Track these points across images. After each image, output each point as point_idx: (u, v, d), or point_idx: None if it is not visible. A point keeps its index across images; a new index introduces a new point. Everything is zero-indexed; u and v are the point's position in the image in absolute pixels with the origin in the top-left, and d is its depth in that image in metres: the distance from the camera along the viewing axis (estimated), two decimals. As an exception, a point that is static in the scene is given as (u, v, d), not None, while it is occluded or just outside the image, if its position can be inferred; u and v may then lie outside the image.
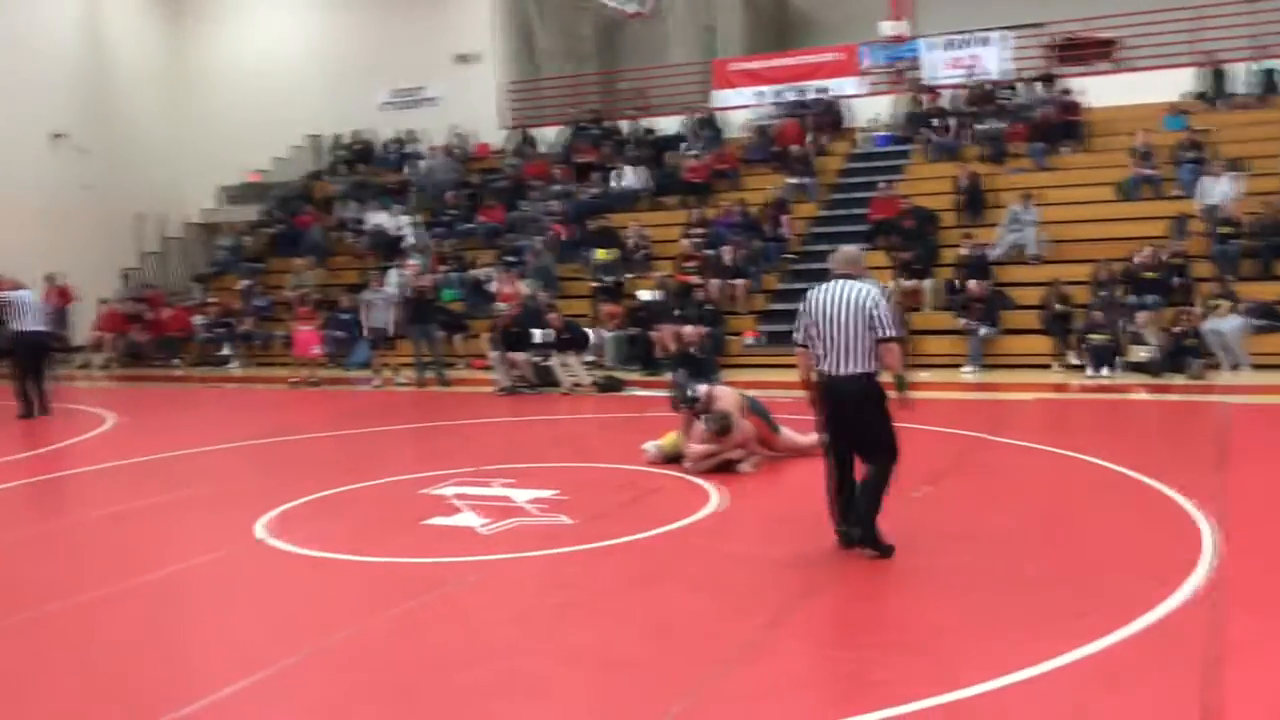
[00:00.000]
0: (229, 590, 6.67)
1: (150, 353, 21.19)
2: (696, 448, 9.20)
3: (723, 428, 9.09)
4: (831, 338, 6.43)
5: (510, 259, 19.46)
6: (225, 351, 20.57)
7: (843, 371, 6.42)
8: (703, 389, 9.57)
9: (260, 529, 7.82)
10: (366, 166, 24.93)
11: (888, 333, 6.44)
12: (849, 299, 6.43)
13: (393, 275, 18.82)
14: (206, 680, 5.04)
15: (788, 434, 9.63)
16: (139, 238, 24.83)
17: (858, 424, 6.50)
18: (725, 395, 9.43)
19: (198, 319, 21.25)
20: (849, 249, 7.00)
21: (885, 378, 6.53)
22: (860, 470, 6.59)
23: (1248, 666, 4.75)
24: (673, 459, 9.48)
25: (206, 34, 27.16)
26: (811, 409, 6.81)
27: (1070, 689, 4.62)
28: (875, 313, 6.39)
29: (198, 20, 27.16)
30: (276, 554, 7.26)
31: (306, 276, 21.17)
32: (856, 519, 6.52)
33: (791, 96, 21.94)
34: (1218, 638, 5.04)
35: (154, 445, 11.73)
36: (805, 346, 6.64)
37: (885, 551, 6.43)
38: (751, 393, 9.99)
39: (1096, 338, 14.51)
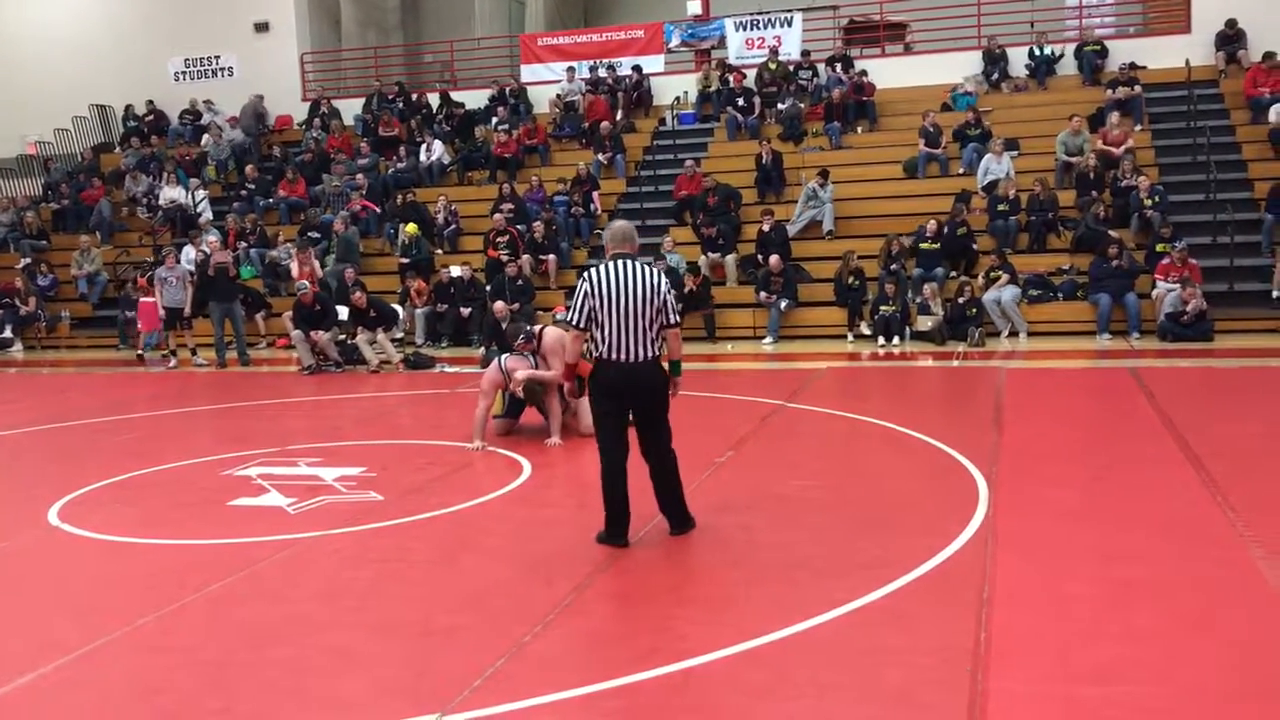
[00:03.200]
0: (25, 578, 6.41)
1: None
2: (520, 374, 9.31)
3: (530, 392, 9.29)
4: (624, 323, 6.12)
5: (313, 234, 19.02)
6: (6, 334, 19.41)
7: (638, 358, 6.15)
8: (537, 328, 9.70)
9: (54, 516, 7.54)
10: (159, 139, 23.86)
11: (674, 319, 6.28)
12: (639, 282, 6.15)
13: (188, 252, 18.17)
14: (8, 667, 4.88)
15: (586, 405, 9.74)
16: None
17: (651, 409, 6.27)
18: (552, 334, 9.53)
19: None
20: (623, 224, 6.50)
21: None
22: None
23: (1010, 605, 5.20)
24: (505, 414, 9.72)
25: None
26: (573, 398, 6.66)
27: (858, 631, 4.98)
28: (667, 298, 6.22)
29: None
30: (74, 540, 7.02)
31: (93, 253, 20.20)
32: (674, 506, 6.41)
33: (601, 73, 22.13)
34: (989, 582, 5.50)
35: (-70, 433, 11.08)
36: (583, 330, 6.27)
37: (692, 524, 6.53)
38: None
39: (886, 309, 15.29)
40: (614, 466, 6.24)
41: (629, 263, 6.24)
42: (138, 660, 4.99)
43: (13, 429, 11.35)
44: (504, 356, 9.49)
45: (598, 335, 6.20)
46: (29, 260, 20.63)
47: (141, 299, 17.86)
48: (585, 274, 6.30)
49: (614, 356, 6.17)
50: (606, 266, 6.23)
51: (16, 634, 5.47)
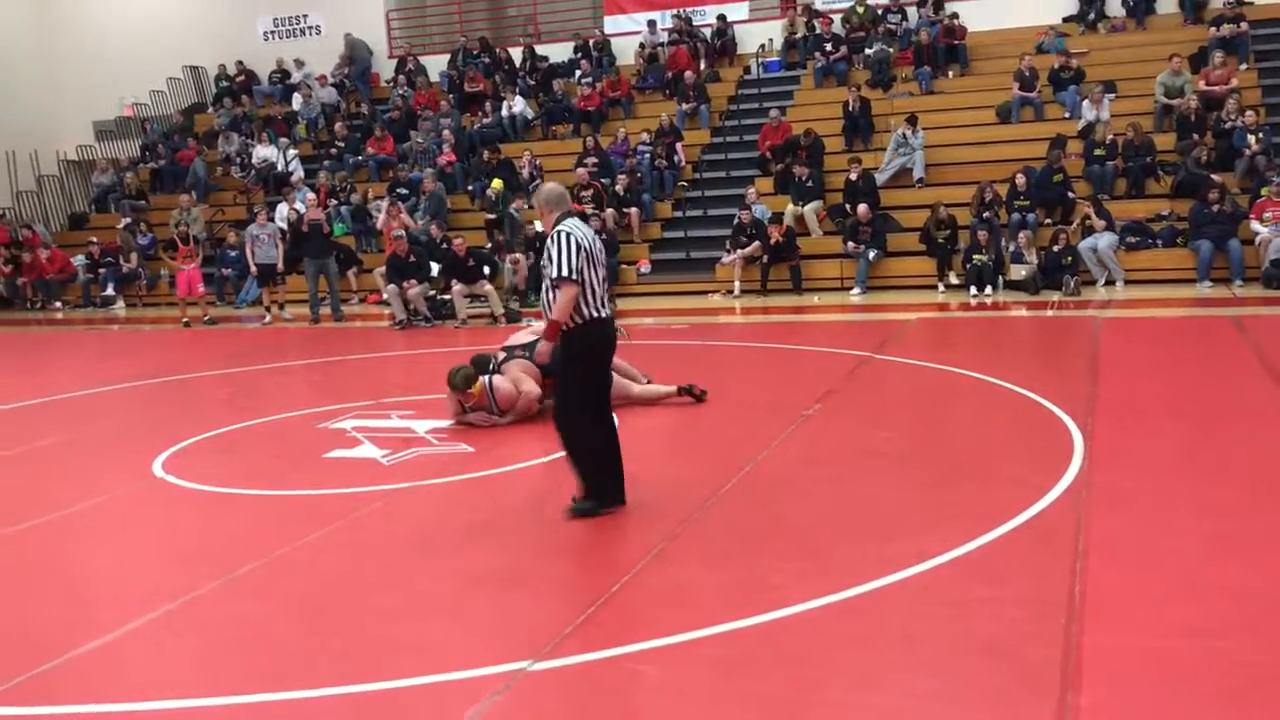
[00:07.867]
0: (132, 528, 6.66)
1: (26, 296, 20.66)
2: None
3: (463, 380, 8.53)
4: (599, 278, 6.02)
5: (402, 191, 19.21)
6: (109, 292, 20.02)
7: (607, 313, 6.10)
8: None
9: (159, 467, 7.78)
10: (249, 98, 24.26)
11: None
12: (596, 240, 6.14)
13: (280, 209, 18.48)
14: (118, 613, 5.08)
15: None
16: (11, 176, 23.84)
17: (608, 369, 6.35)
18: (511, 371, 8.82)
19: (78, 259, 20.63)
20: (555, 187, 6.32)
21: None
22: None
23: (1106, 558, 5.11)
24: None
25: (74, -38, 25.99)
26: (579, 363, 6.05)
27: (949, 583, 4.93)
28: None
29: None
30: (179, 491, 7.25)
31: (193, 213, 20.64)
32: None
33: (695, 20, 21.83)
34: (1083, 534, 5.40)
35: (41, 388, 11.50)
36: (577, 282, 5.87)
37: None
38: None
39: (978, 258, 14.97)
40: (607, 426, 6.22)
41: (580, 221, 6.13)
42: (239, 607, 5.15)
43: (117, 384, 11.72)
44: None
45: (586, 294, 5.93)
46: (129, 220, 21.20)
47: (180, 267, 17.26)
48: (563, 232, 5.91)
49: (597, 314, 6.00)
50: (575, 223, 6.03)
51: (124, 581, 5.68)
